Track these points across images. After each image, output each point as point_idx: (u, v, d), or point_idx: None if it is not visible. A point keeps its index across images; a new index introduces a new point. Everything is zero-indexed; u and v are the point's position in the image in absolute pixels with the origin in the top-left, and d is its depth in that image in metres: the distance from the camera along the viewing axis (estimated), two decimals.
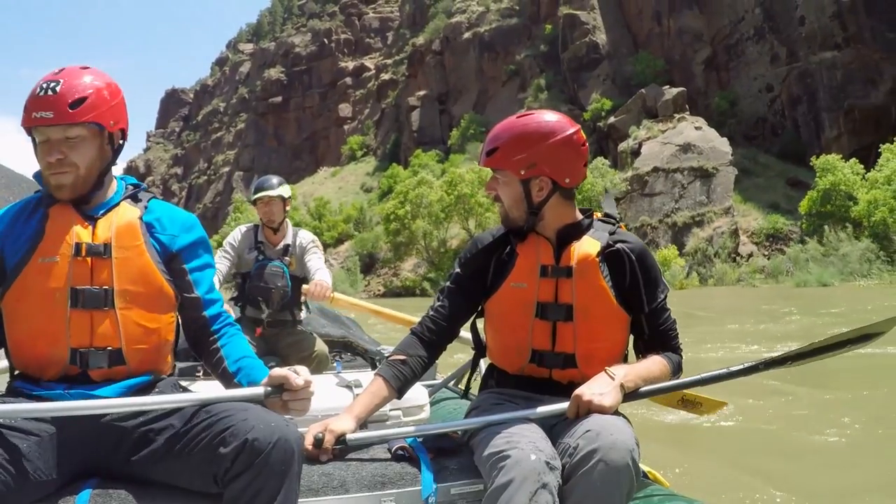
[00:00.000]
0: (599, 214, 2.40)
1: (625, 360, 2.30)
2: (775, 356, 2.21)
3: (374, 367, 4.57)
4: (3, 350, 2.03)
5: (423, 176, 52.59)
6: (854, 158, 38.89)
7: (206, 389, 2.13)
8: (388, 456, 2.11)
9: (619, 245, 2.25)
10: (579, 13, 66.73)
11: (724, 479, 4.57)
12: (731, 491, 4.34)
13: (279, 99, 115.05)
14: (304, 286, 4.45)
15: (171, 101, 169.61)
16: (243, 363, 2.09)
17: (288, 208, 4.70)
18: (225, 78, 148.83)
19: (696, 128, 46.14)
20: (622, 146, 48.53)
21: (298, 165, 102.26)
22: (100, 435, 1.84)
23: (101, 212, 2.01)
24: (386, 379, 2.24)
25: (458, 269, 2.41)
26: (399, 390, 2.27)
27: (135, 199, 2.08)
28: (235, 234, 4.71)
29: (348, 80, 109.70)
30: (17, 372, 2.00)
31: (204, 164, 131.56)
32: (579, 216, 2.33)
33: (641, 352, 2.33)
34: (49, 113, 1.88)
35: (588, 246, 2.25)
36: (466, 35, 78.82)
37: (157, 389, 1.99)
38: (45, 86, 1.90)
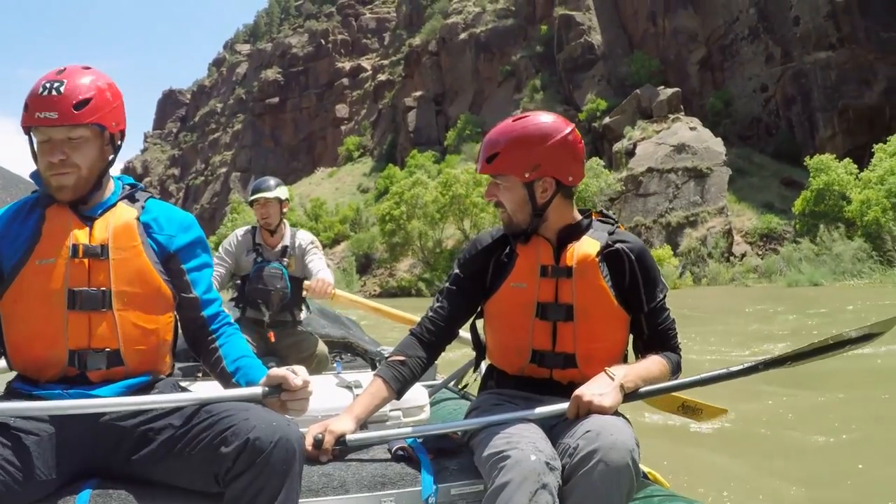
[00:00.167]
0: (598, 215, 2.42)
1: (625, 359, 2.31)
2: (775, 356, 2.21)
3: (374, 367, 4.55)
4: (1, 351, 2.02)
5: (418, 177, 52.61)
6: (848, 158, 38.89)
7: (206, 389, 2.14)
8: (389, 456, 2.11)
9: (618, 245, 2.26)
10: (574, 14, 66.75)
11: (724, 480, 4.54)
12: (731, 491, 4.32)
13: (276, 100, 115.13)
14: (306, 282, 4.44)
15: (169, 102, 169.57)
16: (241, 363, 2.08)
17: (285, 210, 4.69)
18: (222, 79, 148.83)
19: (691, 128, 46.20)
20: (617, 146, 48.58)
21: (295, 166, 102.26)
22: (99, 435, 1.84)
23: (98, 212, 2.00)
24: (385, 380, 2.24)
25: (457, 270, 2.42)
26: (398, 391, 2.27)
27: (132, 199, 2.08)
28: (231, 239, 4.71)
29: (345, 80, 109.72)
30: (15, 373, 2.00)
31: (201, 164, 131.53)
32: (578, 216, 2.35)
33: (641, 351, 2.34)
34: (53, 113, 1.87)
35: (588, 246, 2.25)
36: (462, 36, 78.76)
37: (156, 390, 1.99)
38: (48, 86, 1.88)
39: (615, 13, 67.57)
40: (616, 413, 2.05)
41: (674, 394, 3.04)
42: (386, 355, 2.52)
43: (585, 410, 2.00)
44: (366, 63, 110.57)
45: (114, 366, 1.92)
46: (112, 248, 1.95)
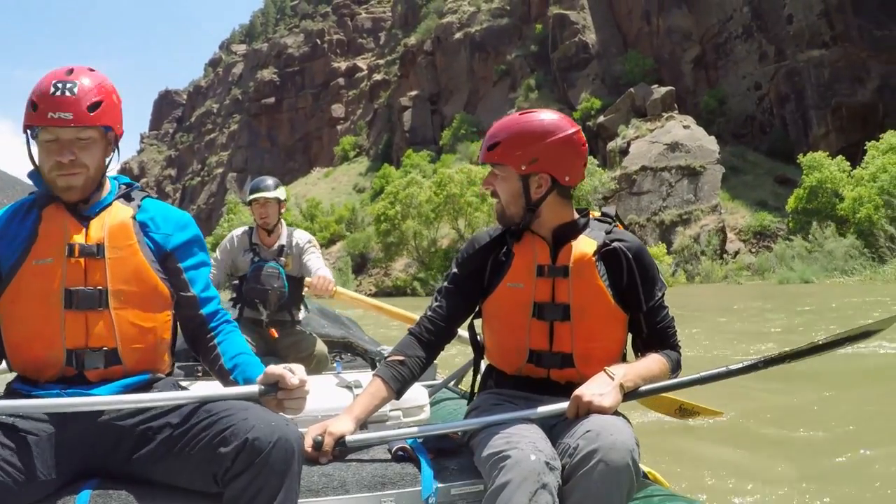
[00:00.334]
0: (596, 214, 2.41)
1: (623, 359, 2.29)
2: (774, 355, 2.20)
3: (373, 367, 4.48)
4: (1, 353, 2.03)
5: (412, 176, 52.60)
6: (841, 156, 38.96)
7: (204, 388, 2.15)
8: (389, 456, 2.11)
9: (615, 244, 2.25)
10: (569, 13, 66.81)
11: (724, 480, 4.50)
12: (731, 491, 4.30)
13: (272, 100, 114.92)
14: (308, 279, 4.45)
15: (165, 103, 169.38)
16: (239, 360, 2.08)
17: (283, 210, 4.70)
18: (218, 79, 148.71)
19: (685, 126, 46.24)
20: (611, 145, 48.61)
21: (292, 166, 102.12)
22: (99, 435, 1.84)
23: (95, 212, 2.01)
24: (385, 380, 2.24)
25: (455, 270, 2.41)
26: (398, 391, 2.26)
27: (128, 198, 2.08)
28: (225, 245, 4.73)
29: (341, 80, 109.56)
30: (15, 374, 2.00)
31: (198, 165, 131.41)
32: (576, 216, 2.34)
33: (640, 350, 2.33)
34: (68, 114, 1.88)
35: (584, 245, 2.25)
36: (457, 35, 78.77)
37: (154, 389, 1.99)
38: (60, 86, 1.89)
39: (609, 12, 67.61)
40: (616, 413, 2.05)
41: (671, 396, 3.02)
42: (385, 355, 2.53)
43: (585, 410, 2.00)
44: (361, 63, 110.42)
45: (112, 365, 1.93)
46: (108, 247, 1.95)
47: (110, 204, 2.04)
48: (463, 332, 2.49)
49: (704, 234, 39.47)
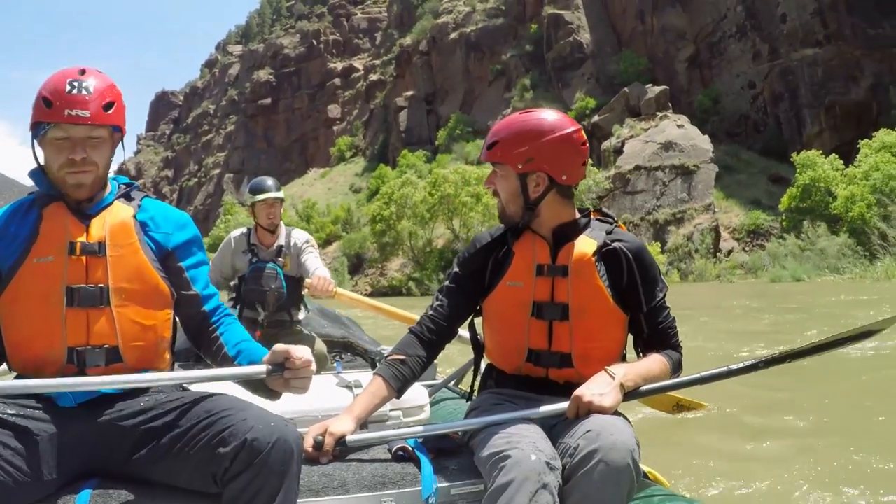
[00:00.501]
0: (597, 214, 2.41)
1: (623, 359, 2.28)
2: (775, 354, 2.20)
3: (374, 367, 4.44)
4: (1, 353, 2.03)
5: (407, 177, 52.64)
6: (834, 154, 39.09)
7: (207, 388, 2.15)
8: (389, 456, 2.10)
9: (616, 244, 2.24)
10: (564, 13, 67.00)
11: (724, 480, 4.45)
12: (731, 491, 4.28)
13: (268, 100, 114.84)
14: (308, 280, 4.42)
15: (161, 104, 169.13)
16: (242, 346, 2.11)
17: (282, 209, 4.72)
18: (214, 80, 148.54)
19: (678, 126, 46.33)
20: (605, 145, 48.65)
21: (288, 167, 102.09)
22: (100, 435, 1.84)
23: (96, 211, 2.02)
24: (385, 379, 2.23)
25: (456, 269, 2.41)
26: (398, 390, 2.26)
27: (128, 197, 2.10)
28: (223, 247, 4.74)
29: (337, 80, 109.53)
30: (14, 375, 1.99)
31: (194, 166, 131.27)
32: (577, 215, 2.33)
33: (641, 350, 2.32)
34: (86, 112, 1.91)
35: (585, 245, 2.24)
36: (453, 35, 78.87)
37: (156, 388, 1.99)
38: (76, 84, 1.92)
39: (604, 12, 67.85)
40: (616, 413, 2.04)
41: (670, 394, 3.05)
42: (386, 354, 2.51)
43: (585, 410, 2.00)
44: (357, 63, 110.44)
45: (113, 362, 1.93)
46: (109, 245, 1.96)
47: (111, 203, 2.05)
48: (463, 331, 2.49)
49: (698, 232, 39.53)
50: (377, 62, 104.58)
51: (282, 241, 4.66)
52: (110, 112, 1.96)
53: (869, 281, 26.06)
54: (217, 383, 2.14)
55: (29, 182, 2.09)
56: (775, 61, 52.19)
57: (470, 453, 2.08)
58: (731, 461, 4.90)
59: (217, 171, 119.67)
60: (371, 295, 43.75)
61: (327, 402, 2.84)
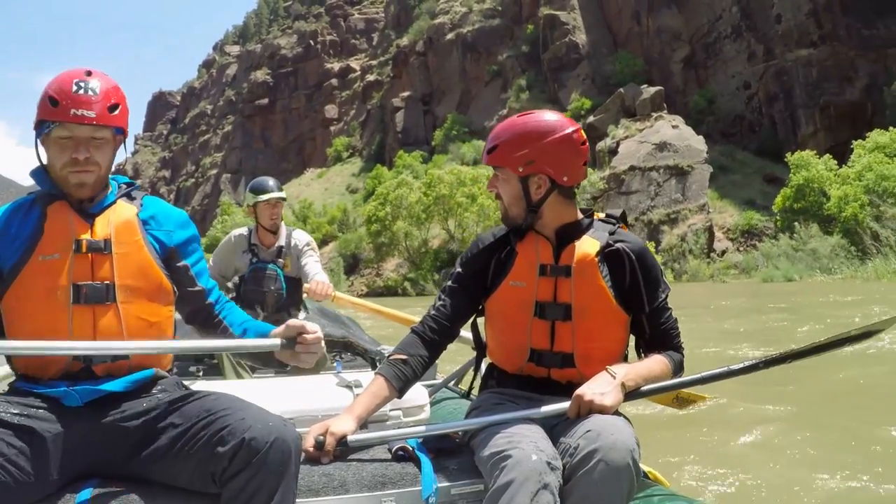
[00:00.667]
0: (600, 214, 2.42)
1: (625, 359, 2.30)
2: (775, 355, 2.21)
3: (374, 367, 4.49)
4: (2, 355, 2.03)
5: (402, 177, 52.60)
6: (828, 154, 38.98)
7: (206, 386, 2.18)
8: (389, 456, 2.11)
9: (618, 245, 2.25)
10: (559, 14, 66.88)
11: (724, 480, 4.49)
12: (731, 491, 4.31)
13: (266, 101, 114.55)
14: (306, 286, 4.46)
15: (159, 104, 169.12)
16: (248, 324, 2.22)
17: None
18: (212, 80, 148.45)
19: (673, 126, 46.27)
20: (600, 145, 48.51)
21: (285, 167, 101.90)
22: (103, 435, 1.85)
23: (98, 210, 2.04)
24: (387, 378, 2.24)
25: (459, 269, 2.42)
26: (400, 390, 2.26)
27: (128, 196, 2.13)
28: (222, 247, 4.78)
29: (334, 81, 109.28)
30: (13, 377, 2.02)
31: (192, 166, 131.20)
32: (579, 215, 2.34)
33: (643, 351, 2.34)
34: (91, 112, 1.94)
35: (587, 245, 2.25)
36: (449, 36, 78.70)
37: (158, 386, 2.01)
38: (83, 85, 1.95)
39: (600, 13, 67.74)
40: (617, 413, 2.05)
41: None
42: (386, 354, 2.53)
43: (586, 410, 2.01)
44: (354, 63, 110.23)
45: (118, 359, 1.95)
46: (115, 243, 1.99)
47: (114, 202, 2.08)
48: (464, 332, 2.50)
49: (692, 233, 39.52)
50: (374, 62, 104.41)
51: (282, 241, 4.69)
52: (115, 114, 2.00)
53: (859, 281, 26.10)
54: (217, 383, 2.27)
55: (27, 182, 2.08)
56: (770, 62, 52.16)
57: (470, 453, 2.09)
58: (731, 461, 4.91)
59: (214, 171, 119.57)
60: (367, 295, 43.82)
61: (327, 402, 2.86)
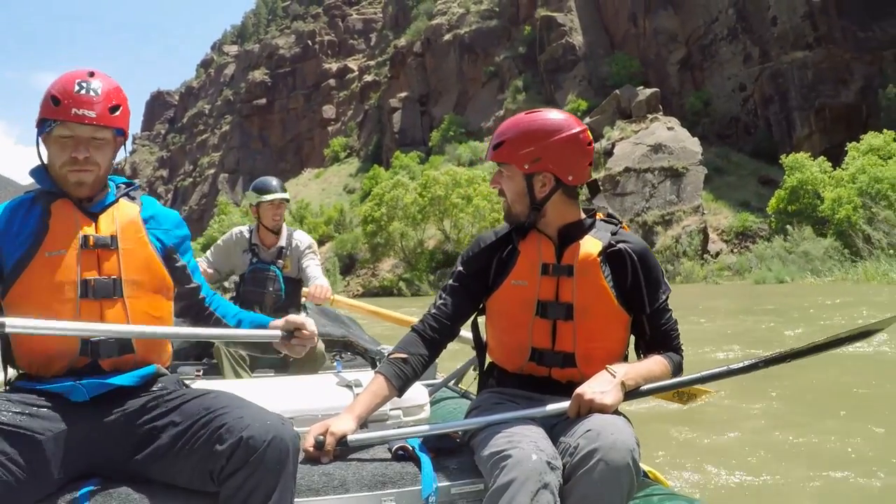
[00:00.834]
0: (602, 215, 2.41)
1: (625, 360, 2.30)
2: (775, 354, 2.21)
3: (374, 366, 4.47)
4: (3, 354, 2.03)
5: (398, 178, 52.57)
6: (822, 157, 39.04)
7: (206, 386, 2.24)
8: (389, 455, 2.11)
9: (620, 245, 2.26)
10: (556, 15, 66.92)
11: (724, 479, 4.52)
12: (731, 491, 4.33)
13: (263, 101, 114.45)
14: (305, 290, 4.48)
15: (157, 104, 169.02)
16: (241, 315, 2.32)
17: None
18: (210, 80, 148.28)
19: (668, 128, 46.26)
20: (595, 147, 48.56)
21: (283, 167, 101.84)
22: (106, 433, 1.87)
23: (100, 209, 2.07)
24: (387, 377, 2.23)
25: (460, 268, 2.41)
26: (400, 389, 2.26)
27: (128, 196, 2.16)
28: (223, 242, 4.77)
29: (332, 81, 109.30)
30: (19, 372, 2.02)
31: (189, 166, 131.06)
32: (582, 215, 2.34)
33: (643, 352, 2.33)
34: (92, 112, 1.97)
35: (590, 245, 2.25)
36: (447, 37, 78.73)
37: (160, 383, 2.03)
38: (85, 85, 1.99)
39: (596, 14, 67.73)
40: (617, 412, 2.05)
41: None
42: (386, 354, 2.52)
43: (587, 409, 2.01)
44: (352, 64, 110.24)
45: (125, 353, 1.98)
46: (121, 239, 2.03)
47: (116, 201, 2.11)
48: (464, 331, 2.49)
49: (686, 234, 39.58)
50: (372, 63, 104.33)
51: (283, 242, 4.69)
52: (116, 115, 2.03)
53: (849, 283, 26.17)
54: (217, 382, 2.37)
55: (25, 181, 2.13)
56: (766, 64, 52.21)
57: (470, 453, 2.10)
58: (730, 460, 4.93)
59: (212, 171, 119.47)
60: (362, 295, 43.84)
61: (327, 402, 2.87)
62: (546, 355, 2.24)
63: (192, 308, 2.28)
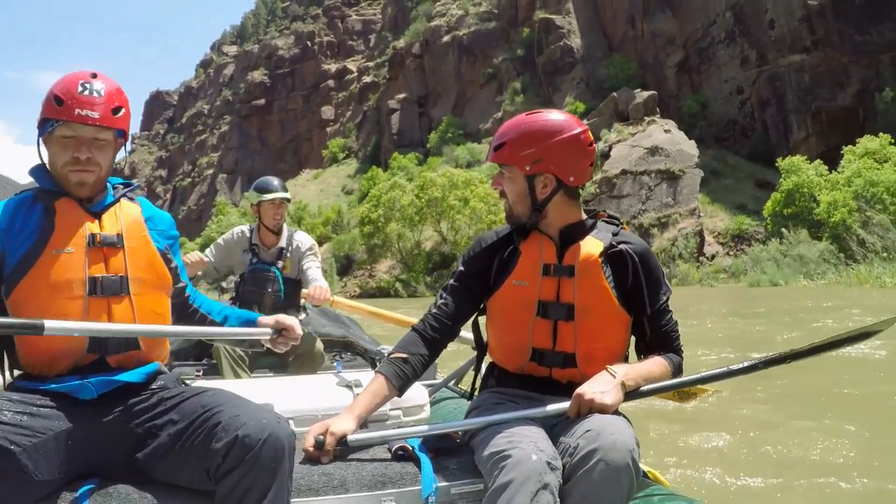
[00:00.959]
0: (604, 215, 2.41)
1: (625, 360, 2.30)
2: (774, 355, 2.21)
3: (374, 366, 4.46)
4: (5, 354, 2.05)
5: (395, 180, 52.70)
6: (819, 160, 39.15)
7: (206, 384, 2.26)
8: (389, 456, 2.10)
9: (622, 246, 2.25)
10: (555, 17, 67.17)
11: (724, 480, 4.49)
12: (731, 491, 4.32)
13: (262, 101, 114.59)
14: (304, 291, 4.47)
15: (156, 104, 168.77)
16: (226, 311, 2.35)
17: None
18: (209, 80, 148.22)
19: (665, 130, 46.40)
20: None
21: (282, 168, 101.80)
22: (105, 433, 1.87)
23: (100, 208, 2.09)
24: (387, 377, 2.22)
25: (461, 267, 2.40)
26: (400, 388, 2.25)
27: (127, 197, 2.18)
28: (223, 241, 4.76)
29: (331, 82, 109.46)
30: (19, 373, 2.02)
31: (188, 166, 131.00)
32: (583, 216, 2.34)
33: (643, 353, 2.33)
34: (95, 113, 1.98)
35: (591, 246, 2.25)
36: (445, 38, 78.98)
37: (160, 382, 2.04)
38: (88, 86, 2.00)
39: (595, 16, 67.93)
40: (616, 412, 2.05)
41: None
42: (386, 354, 2.50)
43: (587, 409, 2.01)
44: (351, 65, 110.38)
45: (131, 349, 2.00)
46: (126, 238, 2.06)
47: (117, 201, 2.14)
48: (465, 331, 2.48)
49: (682, 237, 39.69)
50: (371, 64, 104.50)
51: (283, 243, 4.69)
52: (118, 116, 2.05)
53: (842, 287, 26.24)
54: (216, 382, 2.40)
55: (24, 180, 2.12)
56: (763, 67, 52.38)
57: (470, 453, 2.09)
58: (730, 461, 4.94)
59: (211, 171, 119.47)
60: (359, 296, 43.88)
61: (327, 402, 2.86)
62: (547, 355, 2.24)
63: (177, 306, 2.31)
